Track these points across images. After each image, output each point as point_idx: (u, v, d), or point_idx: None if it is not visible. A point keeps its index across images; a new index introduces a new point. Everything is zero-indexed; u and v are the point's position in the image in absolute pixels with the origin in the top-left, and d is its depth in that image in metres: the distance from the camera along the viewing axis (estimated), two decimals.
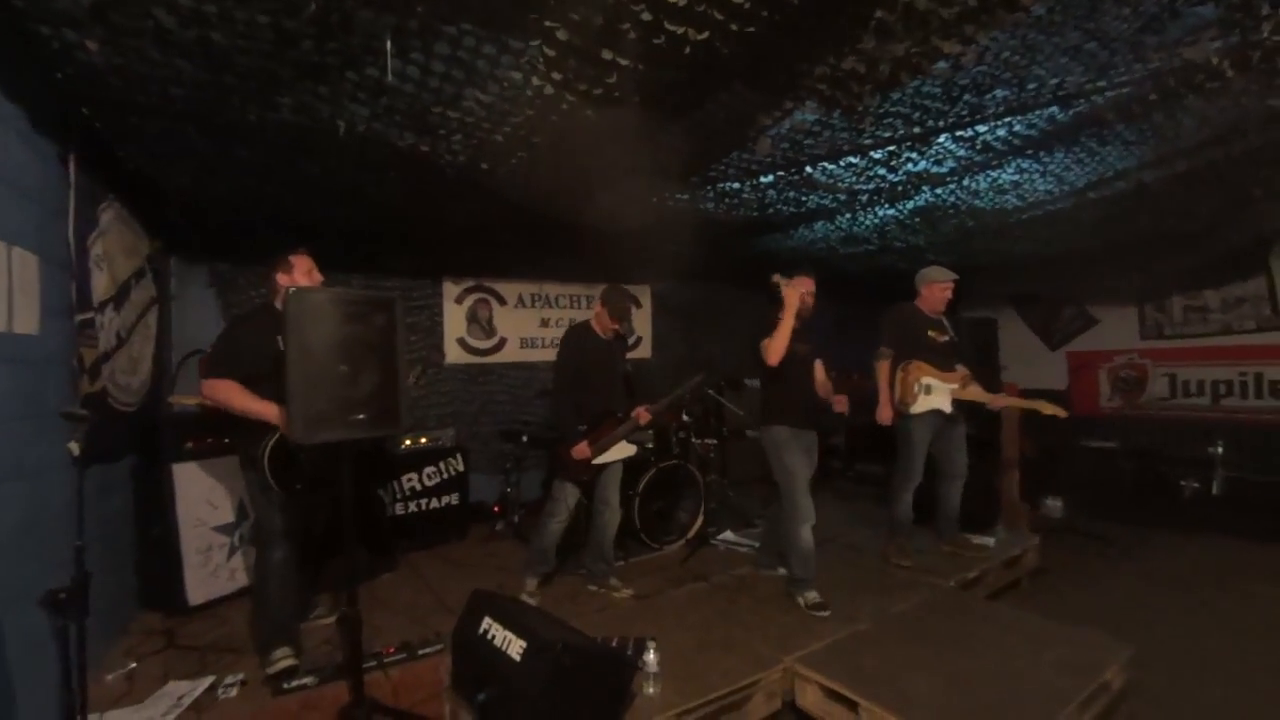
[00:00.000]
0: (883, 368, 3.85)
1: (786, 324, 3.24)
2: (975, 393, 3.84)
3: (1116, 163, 3.33)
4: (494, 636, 2.27)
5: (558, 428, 3.53)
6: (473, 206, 3.59)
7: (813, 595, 3.25)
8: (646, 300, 6.68)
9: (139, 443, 3.37)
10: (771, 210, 3.96)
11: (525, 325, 5.89)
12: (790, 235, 4.73)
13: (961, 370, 3.86)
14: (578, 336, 3.51)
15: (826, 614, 3.14)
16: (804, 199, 3.77)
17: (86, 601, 1.79)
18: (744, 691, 2.57)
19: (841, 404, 3.42)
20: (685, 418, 4.84)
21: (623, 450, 3.49)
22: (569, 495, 3.42)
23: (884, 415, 3.81)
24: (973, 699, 2.40)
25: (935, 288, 3.89)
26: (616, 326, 3.55)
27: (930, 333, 3.84)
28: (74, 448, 2.36)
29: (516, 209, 3.65)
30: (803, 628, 3.02)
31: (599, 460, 3.41)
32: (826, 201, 3.84)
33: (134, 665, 2.79)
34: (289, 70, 2.09)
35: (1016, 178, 3.48)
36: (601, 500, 3.50)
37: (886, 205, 3.96)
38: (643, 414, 3.49)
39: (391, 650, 2.73)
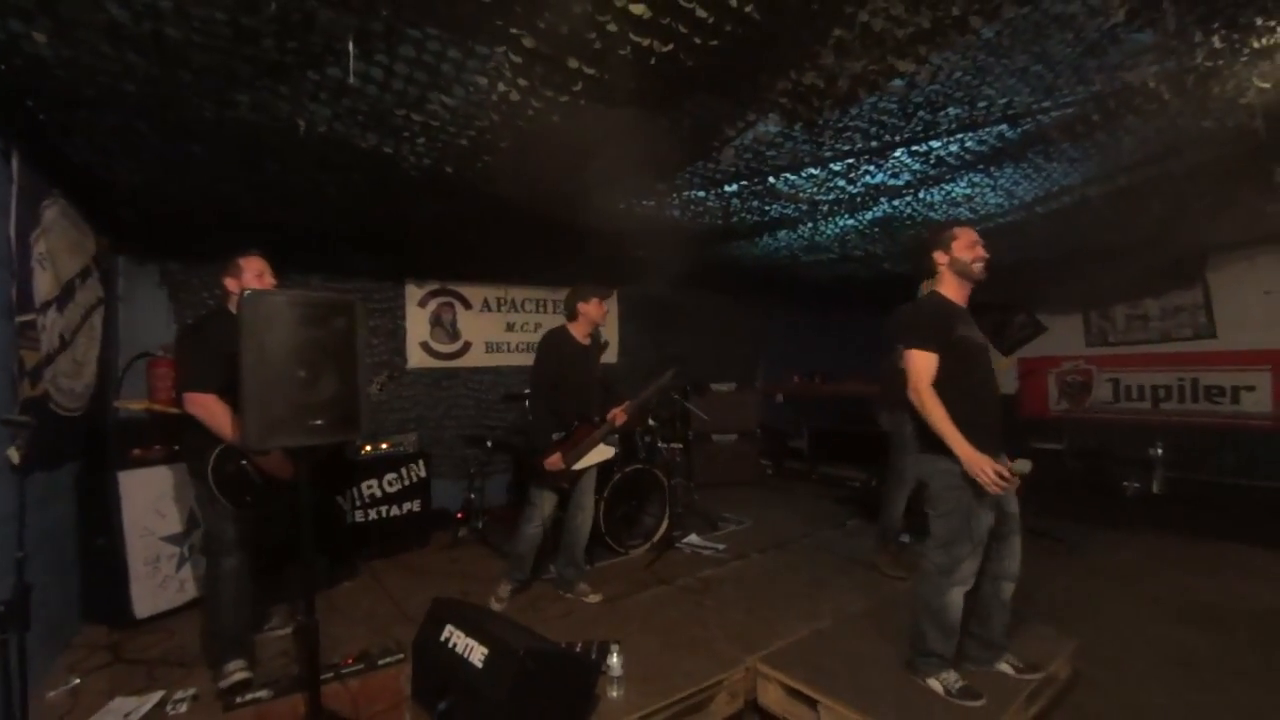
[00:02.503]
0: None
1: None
2: None
3: (1062, 178, 3.49)
4: (456, 644, 2.26)
5: (532, 436, 3.47)
6: (437, 208, 3.56)
7: (952, 677, 2.46)
8: (614, 305, 6.70)
9: (83, 449, 3.24)
10: (736, 218, 4.02)
11: (490, 329, 5.85)
12: (755, 242, 4.81)
13: None
14: (556, 341, 3.46)
15: (981, 703, 2.37)
16: (767, 208, 3.84)
17: (28, 614, 1.72)
18: (707, 692, 2.60)
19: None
20: (651, 422, 4.87)
21: (601, 453, 3.48)
22: (546, 502, 3.40)
23: None
24: (927, 693, 2.48)
25: None
26: (601, 322, 3.52)
27: None
28: (14, 454, 2.27)
29: (481, 212, 3.63)
30: (766, 628, 3.06)
31: (578, 466, 3.39)
32: (789, 211, 3.92)
33: (77, 681, 2.68)
34: (247, 68, 2.05)
35: (969, 191, 3.62)
36: (576, 504, 3.49)
37: (846, 215, 4.06)
38: (619, 415, 3.48)
39: (350, 661, 2.68)
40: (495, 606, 3.32)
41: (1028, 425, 7.28)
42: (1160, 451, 6.12)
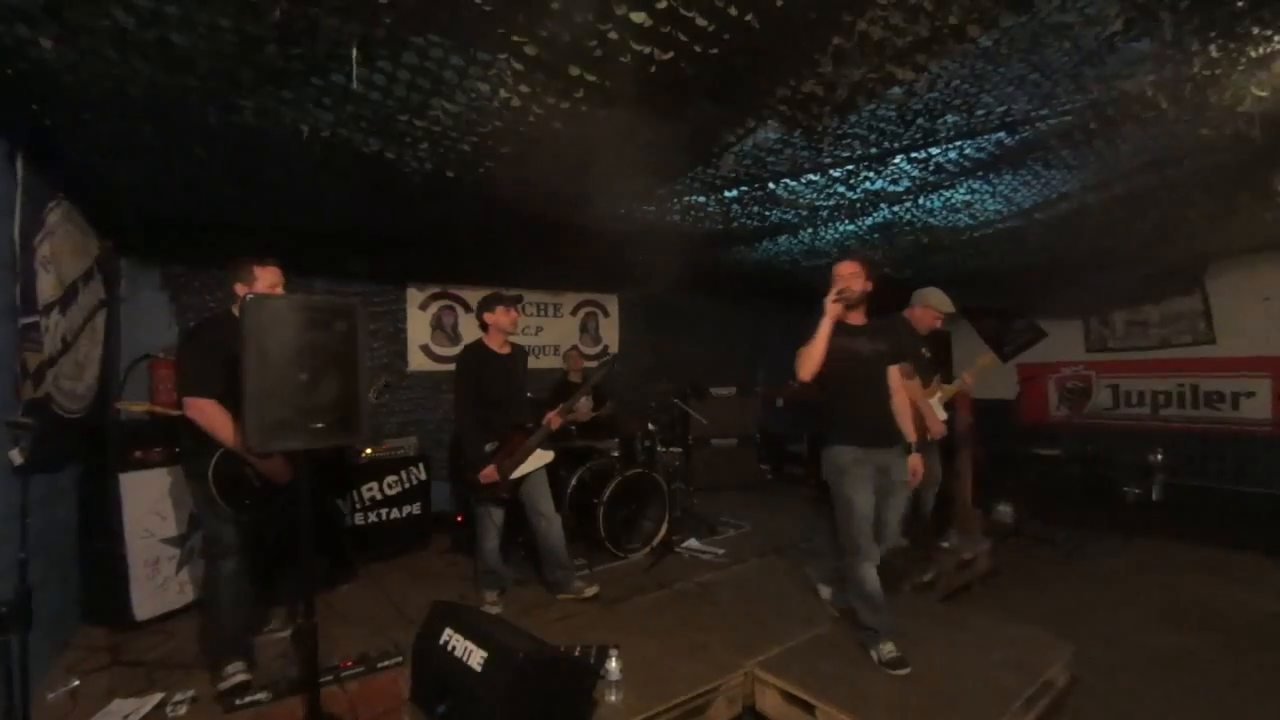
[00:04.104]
0: (915, 385, 3.66)
1: (818, 336, 2.75)
2: (949, 391, 3.98)
3: (1060, 185, 3.50)
4: (455, 647, 2.26)
5: (464, 451, 3.44)
6: (438, 212, 3.58)
7: (888, 649, 2.75)
8: (614, 309, 6.72)
9: (84, 451, 3.25)
10: (736, 223, 4.04)
11: None
12: (755, 247, 4.83)
13: (935, 380, 3.99)
14: (473, 355, 3.45)
15: (906, 671, 2.67)
16: (767, 213, 3.86)
17: (30, 616, 1.72)
18: (705, 697, 2.60)
19: (916, 474, 2.99)
20: (651, 426, 4.88)
21: (540, 459, 3.47)
22: (492, 514, 3.42)
23: (939, 429, 3.80)
24: (924, 699, 2.48)
25: (930, 313, 3.89)
26: (513, 330, 3.52)
27: (923, 350, 3.90)
28: (16, 456, 2.29)
29: (482, 215, 3.66)
30: (764, 633, 3.06)
31: (516, 474, 3.38)
32: (789, 216, 3.94)
33: (77, 683, 2.68)
34: (251, 74, 2.07)
35: (968, 197, 3.63)
36: (535, 513, 3.48)
37: (846, 221, 4.08)
38: (554, 419, 3.47)
39: (349, 663, 2.68)
40: (491, 611, 3.32)
41: (1028, 431, 7.28)
42: (1160, 458, 6.12)
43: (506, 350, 3.51)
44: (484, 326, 3.50)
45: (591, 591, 3.51)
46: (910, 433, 3.00)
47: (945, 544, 4.20)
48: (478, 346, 3.49)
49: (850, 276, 2.84)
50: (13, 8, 1.74)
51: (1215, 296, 6.18)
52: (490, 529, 3.42)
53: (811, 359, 2.75)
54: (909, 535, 4.12)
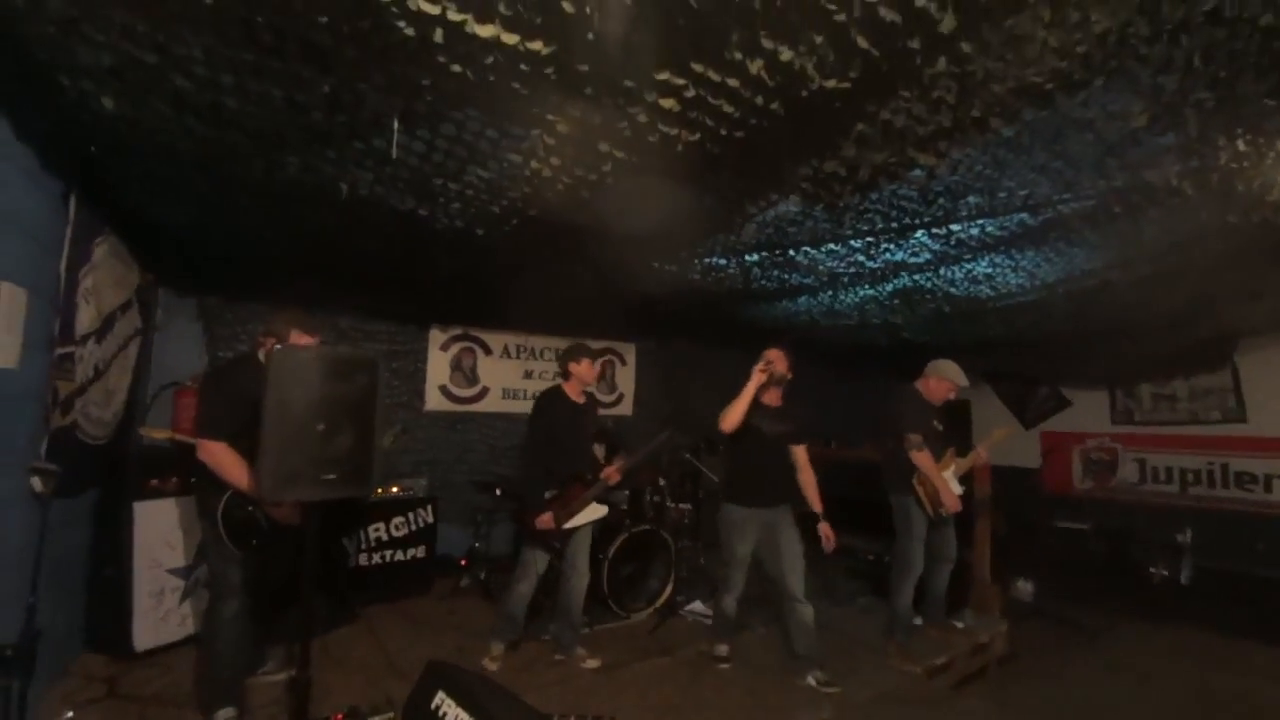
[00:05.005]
0: (926, 457, 3.70)
1: (743, 395, 3.23)
2: (963, 464, 3.91)
3: (1084, 263, 3.48)
4: (445, 714, 2.21)
5: (525, 494, 3.47)
6: (463, 261, 3.66)
7: (820, 676, 3.28)
8: (631, 358, 6.73)
9: (104, 476, 3.29)
10: (756, 285, 4.07)
11: (508, 376, 5.90)
12: (774, 306, 4.84)
13: (949, 452, 3.93)
14: (550, 401, 3.50)
15: (835, 690, 3.17)
16: (787, 277, 3.88)
17: (33, 664, 1.73)
18: None
19: (829, 539, 3.45)
20: (661, 481, 4.82)
21: (593, 512, 3.45)
22: (538, 560, 3.38)
23: (955, 503, 3.73)
24: None
25: (944, 385, 3.89)
26: (592, 383, 3.56)
27: (934, 421, 3.86)
28: (37, 483, 2.33)
29: (506, 266, 3.73)
30: (765, 713, 2.95)
31: (570, 525, 3.37)
32: (809, 280, 3.96)
33: (70, 715, 2.67)
34: (297, 134, 2.17)
35: (990, 270, 3.63)
36: (570, 565, 3.44)
37: (866, 286, 4.09)
38: (612, 474, 3.46)
39: (340, 717, 2.63)
40: (490, 667, 3.26)
41: (1051, 501, 7.06)
42: (1188, 538, 5.87)
43: (582, 400, 3.55)
44: (565, 375, 3.55)
45: (593, 664, 3.41)
46: (816, 505, 3.48)
47: (960, 624, 4.05)
48: (557, 392, 3.54)
49: (777, 359, 3.35)
50: (79, 67, 1.85)
51: (1246, 373, 6.03)
52: (531, 574, 3.38)
53: (732, 416, 3.22)
54: (921, 614, 4.00)
